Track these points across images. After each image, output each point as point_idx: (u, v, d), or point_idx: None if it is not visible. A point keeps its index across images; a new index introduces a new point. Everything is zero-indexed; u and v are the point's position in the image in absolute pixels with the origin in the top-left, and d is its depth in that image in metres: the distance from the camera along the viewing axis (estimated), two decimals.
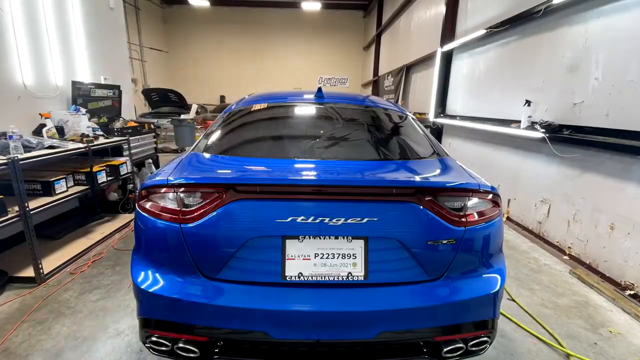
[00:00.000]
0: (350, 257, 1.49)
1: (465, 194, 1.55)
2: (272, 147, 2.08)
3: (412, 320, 1.50)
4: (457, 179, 1.63)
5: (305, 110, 2.38)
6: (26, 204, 2.71)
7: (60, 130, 3.59)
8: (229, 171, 1.72)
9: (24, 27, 3.56)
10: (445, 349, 1.52)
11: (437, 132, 6.87)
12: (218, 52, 16.94)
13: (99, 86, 4.56)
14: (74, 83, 4.11)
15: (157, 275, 1.53)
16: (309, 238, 1.48)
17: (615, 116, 2.97)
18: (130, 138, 4.33)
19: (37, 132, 3.49)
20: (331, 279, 1.48)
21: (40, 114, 3.53)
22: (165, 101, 11.55)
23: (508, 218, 4.57)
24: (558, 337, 2.31)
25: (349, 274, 1.48)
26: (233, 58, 17.06)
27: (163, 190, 1.52)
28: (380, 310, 1.46)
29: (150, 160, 5.23)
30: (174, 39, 16.41)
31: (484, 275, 1.59)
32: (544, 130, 3.58)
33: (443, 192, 1.53)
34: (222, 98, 17.05)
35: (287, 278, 1.47)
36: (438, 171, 1.78)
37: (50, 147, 3.14)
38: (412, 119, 2.39)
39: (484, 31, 4.90)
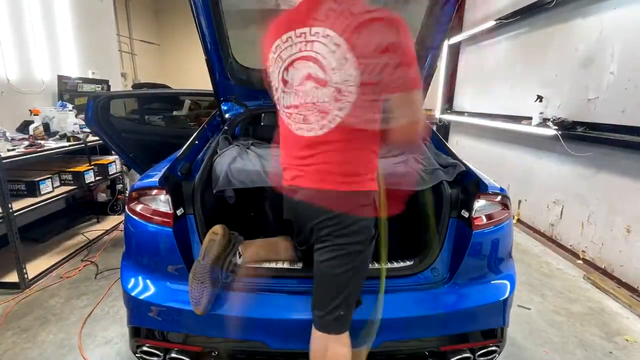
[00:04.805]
0: None
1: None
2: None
3: (417, 329, 1.50)
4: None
5: None
6: (10, 205, 2.70)
7: (46, 128, 3.58)
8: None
9: (6, 17, 3.55)
10: (451, 359, 1.52)
11: (444, 129, 6.87)
12: None
13: (87, 81, 4.54)
14: (60, 77, 4.10)
15: (147, 281, 1.53)
16: None
17: (632, 112, 2.96)
18: None
19: (22, 129, 3.48)
20: None
21: (30, 110, 3.53)
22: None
23: (518, 220, 4.57)
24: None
25: None
26: None
27: (154, 192, 1.52)
28: (383, 319, 1.45)
29: None
30: (166, 31, 16.31)
31: (492, 282, 1.59)
32: (556, 127, 3.57)
33: None
34: None
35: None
36: None
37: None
38: None
39: (494, 22, 4.89)
